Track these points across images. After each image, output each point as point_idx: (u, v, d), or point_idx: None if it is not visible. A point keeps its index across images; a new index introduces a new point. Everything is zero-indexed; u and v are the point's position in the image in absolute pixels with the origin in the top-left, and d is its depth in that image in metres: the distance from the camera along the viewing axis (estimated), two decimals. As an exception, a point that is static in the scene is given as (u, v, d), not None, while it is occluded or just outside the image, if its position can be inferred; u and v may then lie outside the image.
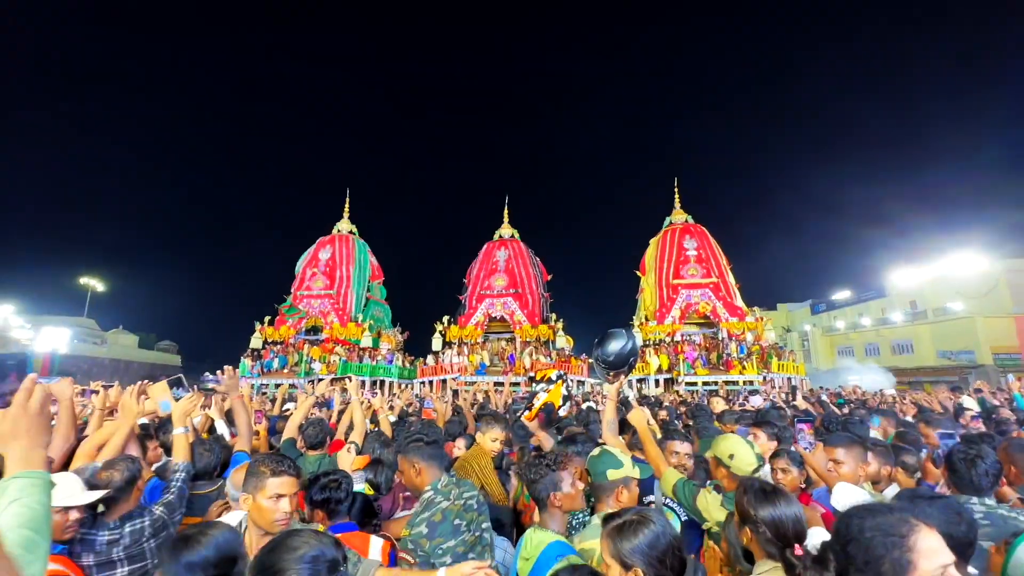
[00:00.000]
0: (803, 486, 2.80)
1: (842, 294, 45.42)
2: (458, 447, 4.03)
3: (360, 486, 2.70)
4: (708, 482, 2.73)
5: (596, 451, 2.33)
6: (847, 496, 2.31)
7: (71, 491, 2.05)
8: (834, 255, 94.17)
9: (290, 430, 3.87)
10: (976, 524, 1.61)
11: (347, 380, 5.64)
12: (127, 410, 2.89)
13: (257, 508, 1.92)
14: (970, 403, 7.64)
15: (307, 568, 1.23)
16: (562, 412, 3.85)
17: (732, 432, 3.10)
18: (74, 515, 2.04)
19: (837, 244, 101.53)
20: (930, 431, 3.87)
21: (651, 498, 3.11)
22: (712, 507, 2.32)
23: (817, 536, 1.56)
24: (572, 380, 23.50)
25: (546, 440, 3.58)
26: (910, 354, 36.08)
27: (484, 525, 2.15)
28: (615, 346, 3.10)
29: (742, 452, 2.33)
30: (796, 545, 1.47)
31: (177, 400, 3.03)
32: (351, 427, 4.14)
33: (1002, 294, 32.58)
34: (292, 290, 26.17)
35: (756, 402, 12.43)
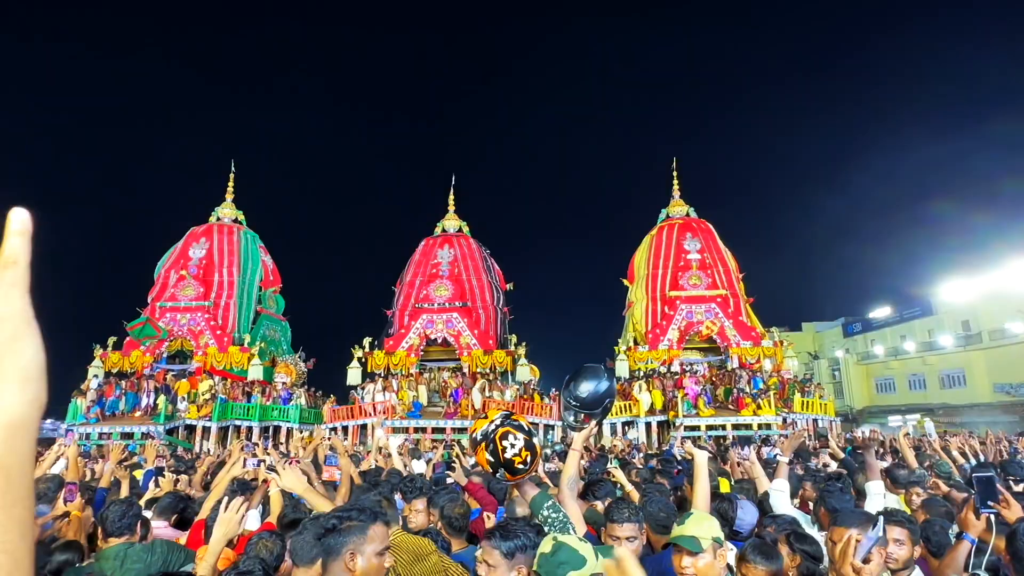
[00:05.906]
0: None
1: (881, 311, 42.55)
2: (417, 509, 3.65)
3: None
4: None
5: (547, 543, 1.81)
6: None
7: None
8: (872, 262, 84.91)
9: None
10: None
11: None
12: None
13: None
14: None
15: None
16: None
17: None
18: None
19: (876, 249, 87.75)
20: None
21: None
22: None
23: None
24: (539, 423, 20.62)
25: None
26: (962, 387, 33.26)
27: None
28: (589, 386, 2.81)
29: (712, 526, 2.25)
30: None
31: None
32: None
33: (1075, 313, 29.88)
34: (149, 300, 23.18)
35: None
